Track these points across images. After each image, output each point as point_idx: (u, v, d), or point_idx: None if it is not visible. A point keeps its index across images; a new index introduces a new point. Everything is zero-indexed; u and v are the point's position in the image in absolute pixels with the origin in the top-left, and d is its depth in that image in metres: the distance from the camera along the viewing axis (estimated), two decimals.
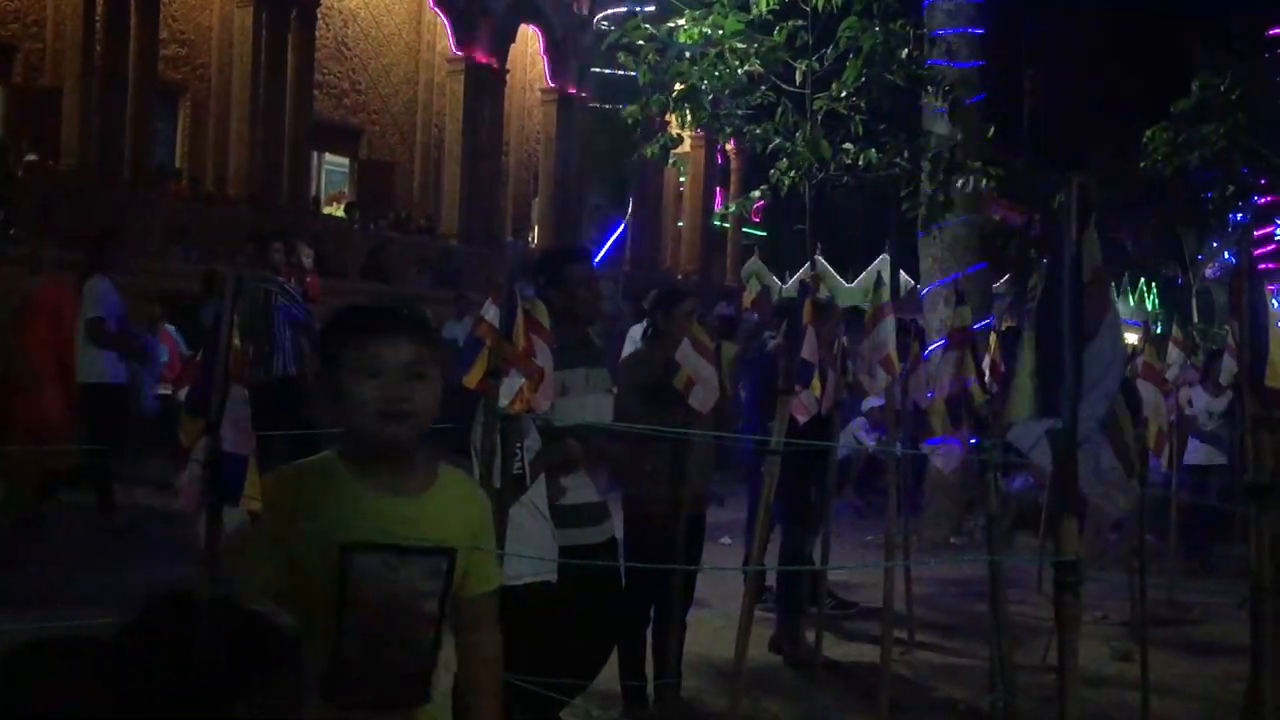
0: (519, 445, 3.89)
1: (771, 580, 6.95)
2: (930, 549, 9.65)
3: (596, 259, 9.37)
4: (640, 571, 5.29)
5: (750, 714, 5.52)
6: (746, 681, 5.87)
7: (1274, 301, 17.31)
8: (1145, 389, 5.52)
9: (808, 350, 4.41)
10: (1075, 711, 1.33)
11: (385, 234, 20.37)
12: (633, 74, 8.36)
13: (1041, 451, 1.60)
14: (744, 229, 31.89)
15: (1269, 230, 14.53)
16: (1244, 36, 13.67)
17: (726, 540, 9.24)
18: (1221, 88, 10.49)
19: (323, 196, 22.32)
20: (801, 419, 4.48)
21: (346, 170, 22.97)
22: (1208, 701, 5.96)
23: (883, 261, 31.45)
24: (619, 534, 5.09)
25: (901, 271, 25.80)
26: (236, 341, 2.06)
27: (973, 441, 3.80)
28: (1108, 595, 7.75)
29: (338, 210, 21.74)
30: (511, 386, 3.27)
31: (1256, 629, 2.49)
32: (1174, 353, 8.49)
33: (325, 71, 21.20)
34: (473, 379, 3.38)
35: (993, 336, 7.38)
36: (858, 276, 30.74)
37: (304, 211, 19.21)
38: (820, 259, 32.17)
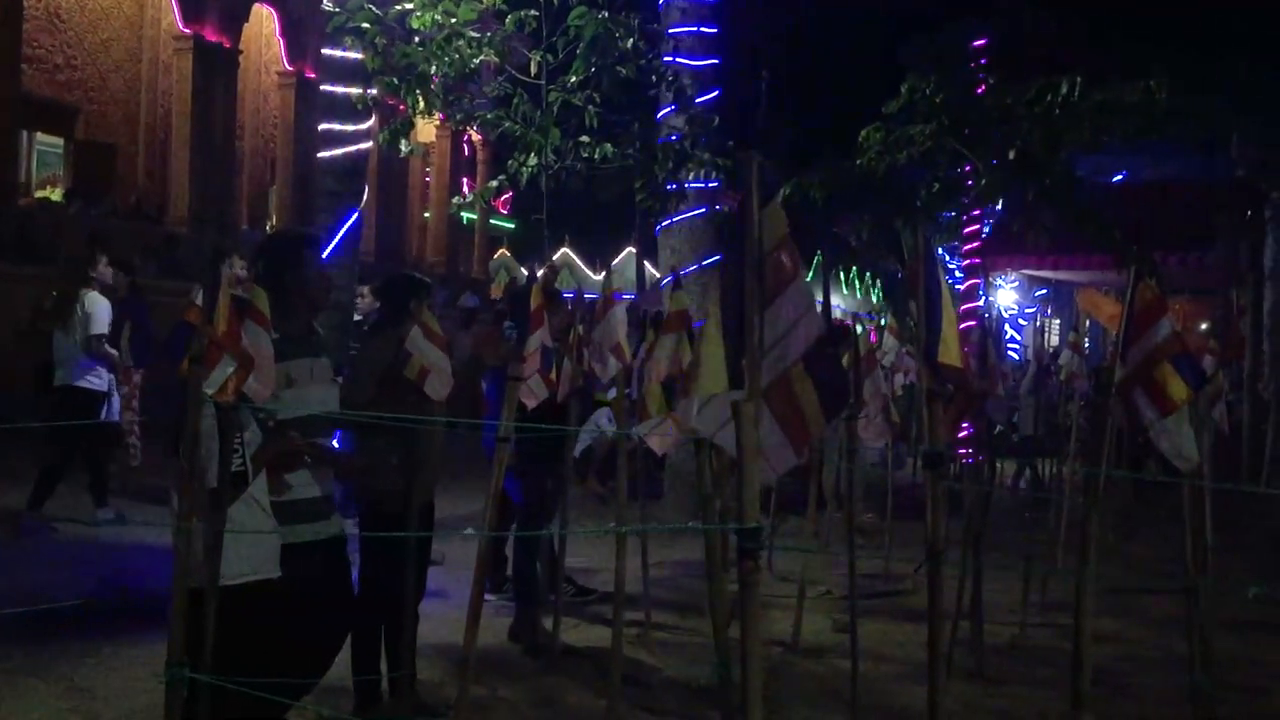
0: (238, 439, 3.73)
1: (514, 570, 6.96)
2: (670, 534, 9.90)
3: (329, 247, 9.09)
4: (372, 564, 5.19)
5: (485, 701, 5.51)
6: (484, 670, 5.87)
7: (980, 293, 18.65)
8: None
9: (545, 335, 4.43)
10: (758, 672, 1.39)
11: (105, 220, 19.07)
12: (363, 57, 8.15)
13: (727, 435, 1.65)
14: (492, 221, 31.74)
15: (976, 228, 15.66)
16: (952, 46, 14.78)
17: (469, 532, 9.18)
18: (927, 91, 11.32)
19: (34, 178, 20.68)
20: (530, 404, 4.51)
21: (61, 151, 21.34)
22: (916, 665, 6.37)
23: (629, 254, 32.03)
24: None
25: (646, 263, 26.32)
26: None
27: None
28: (832, 570, 8.18)
29: (52, 194, 20.18)
30: (222, 374, 3.12)
31: (932, 590, 2.68)
32: (890, 341, 9.04)
33: (35, 44, 19.64)
34: (185, 368, 3.20)
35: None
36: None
37: (10, 193, 17.74)
38: (568, 251, 32.49)
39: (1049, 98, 10.77)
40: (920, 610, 7.68)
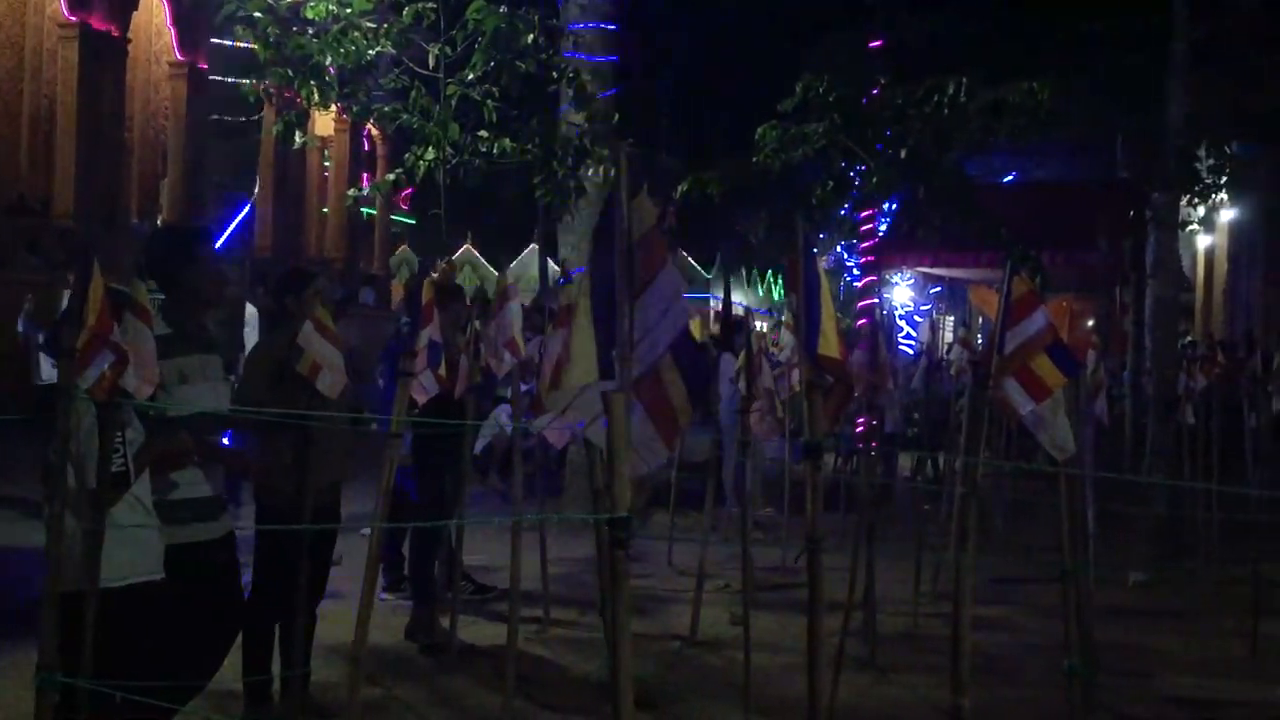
0: (119, 438, 3.63)
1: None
2: (571, 530, 9.88)
3: (220, 241, 8.90)
4: (268, 565, 5.10)
5: (380, 701, 5.46)
6: (380, 670, 5.81)
7: (876, 291, 18.95)
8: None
9: (434, 330, 4.39)
10: (627, 659, 1.40)
11: None
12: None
13: (594, 428, 1.65)
14: (393, 217, 31.34)
15: (872, 226, 15.94)
16: (847, 47, 15.08)
17: (366, 531, 9.06)
18: (820, 90, 11.54)
19: None
20: (421, 400, 4.47)
21: None
22: (803, 655, 6.43)
23: (532, 250, 31.92)
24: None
25: (550, 260, 26.25)
26: None
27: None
28: (731, 564, 8.26)
29: None
30: (98, 369, 3.04)
31: (813, 578, 2.73)
32: (787, 337, 9.17)
33: None
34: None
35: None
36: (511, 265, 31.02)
37: None
38: (470, 248, 32.24)
39: (936, 98, 11.06)
40: None
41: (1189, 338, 19.38)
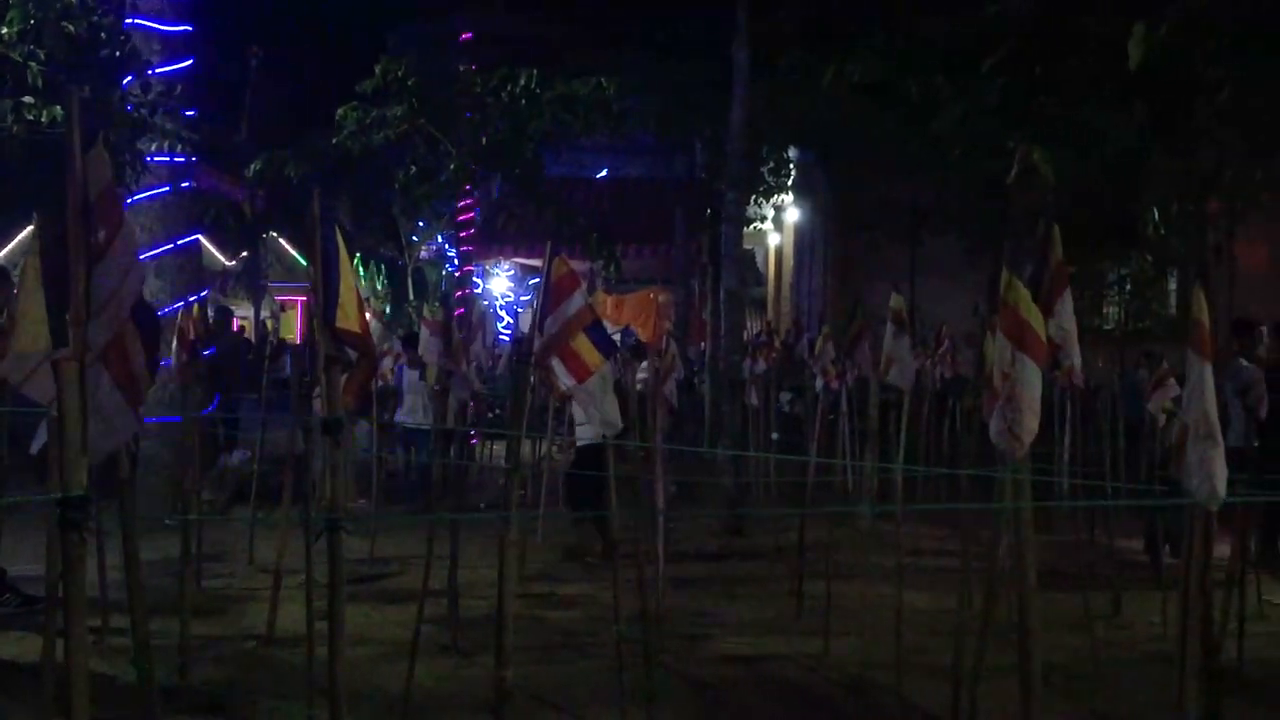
0: None
1: None
2: (142, 529, 9.18)
3: None
4: None
5: None
6: None
7: (478, 281, 19.11)
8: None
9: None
10: (82, 651, 1.30)
11: None
12: None
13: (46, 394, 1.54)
14: None
15: (471, 216, 16.04)
16: (433, 34, 15.17)
17: None
18: (399, 74, 11.53)
19: None
20: None
21: None
22: (396, 645, 6.38)
23: None
24: None
25: None
26: None
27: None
28: (315, 558, 8.00)
29: None
30: None
31: (333, 558, 2.71)
32: (375, 325, 9.04)
33: None
34: None
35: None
36: None
37: None
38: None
39: (510, 87, 11.38)
40: (403, 591, 7.76)
41: (756, 328, 21.01)
